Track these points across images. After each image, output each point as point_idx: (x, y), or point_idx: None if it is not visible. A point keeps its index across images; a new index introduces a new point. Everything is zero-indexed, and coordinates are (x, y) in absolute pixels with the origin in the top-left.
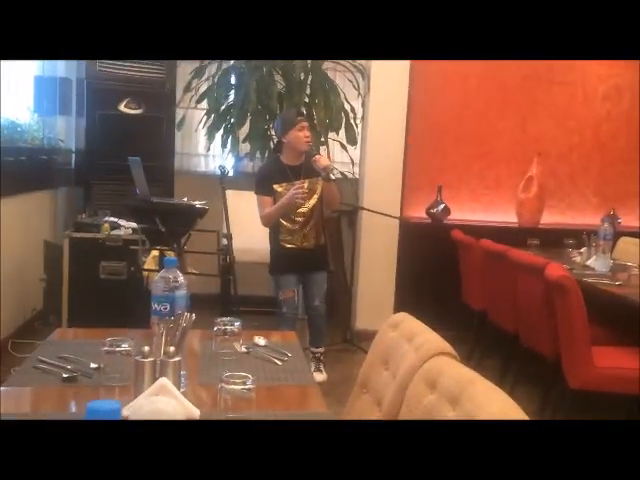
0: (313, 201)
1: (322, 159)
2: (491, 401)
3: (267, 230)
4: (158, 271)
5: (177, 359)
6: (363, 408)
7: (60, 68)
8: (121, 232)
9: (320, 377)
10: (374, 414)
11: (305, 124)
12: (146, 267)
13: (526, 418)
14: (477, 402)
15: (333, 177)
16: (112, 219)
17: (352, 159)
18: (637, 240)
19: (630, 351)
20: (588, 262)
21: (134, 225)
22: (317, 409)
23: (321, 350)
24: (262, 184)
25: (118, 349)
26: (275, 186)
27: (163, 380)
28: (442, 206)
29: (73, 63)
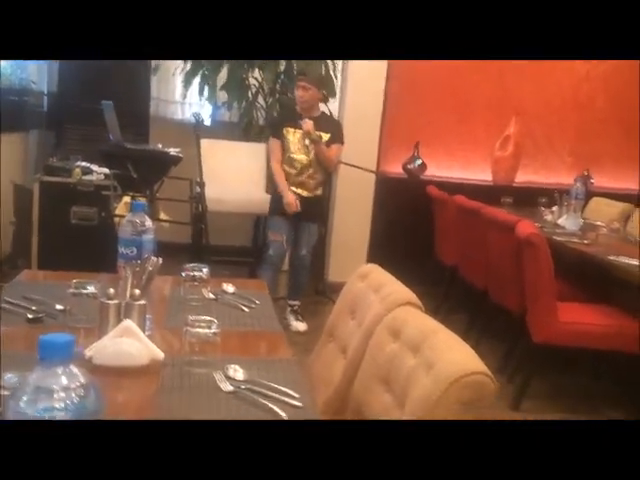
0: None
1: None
2: (451, 349)
3: (241, 181)
4: None
5: (142, 302)
6: (328, 356)
7: None
8: (93, 177)
9: (302, 326)
10: (339, 361)
11: (300, 84)
12: (117, 213)
13: (485, 368)
14: (437, 350)
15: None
16: (84, 164)
17: (330, 112)
18: (608, 200)
19: (594, 307)
20: (559, 221)
21: (106, 171)
22: (283, 356)
23: (298, 303)
24: (274, 127)
25: (84, 291)
26: (285, 129)
27: (128, 322)
28: (419, 162)
29: None
